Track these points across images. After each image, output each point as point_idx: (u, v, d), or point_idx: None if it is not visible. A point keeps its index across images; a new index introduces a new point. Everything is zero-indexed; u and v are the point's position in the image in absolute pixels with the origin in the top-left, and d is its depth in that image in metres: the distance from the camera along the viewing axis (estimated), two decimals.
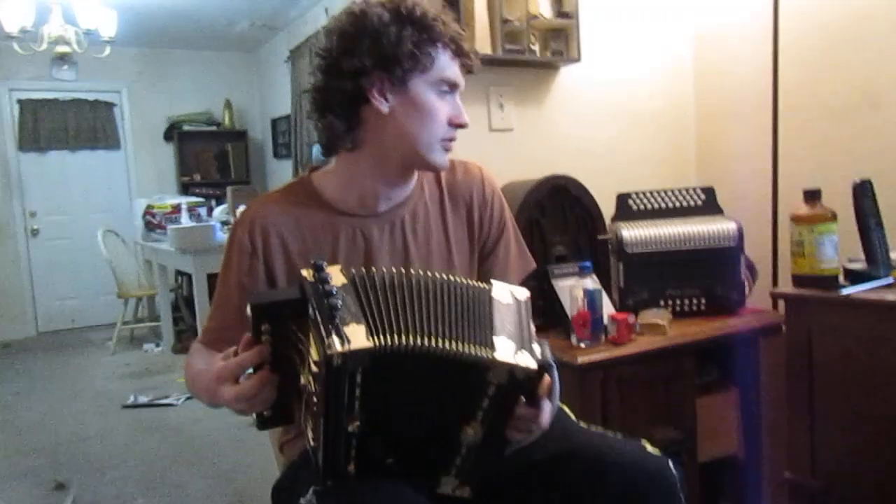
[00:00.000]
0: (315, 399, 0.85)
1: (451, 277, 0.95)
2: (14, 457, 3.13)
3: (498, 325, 0.91)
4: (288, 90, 5.53)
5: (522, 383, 0.89)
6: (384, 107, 1.10)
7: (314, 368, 0.83)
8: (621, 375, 1.72)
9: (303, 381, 0.90)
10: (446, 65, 1.11)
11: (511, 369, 0.87)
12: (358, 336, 0.82)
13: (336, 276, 0.89)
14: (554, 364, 0.93)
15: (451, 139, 1.16)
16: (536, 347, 0.92)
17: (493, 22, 2.03)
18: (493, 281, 0.99)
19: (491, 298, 0.95)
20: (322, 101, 1.13)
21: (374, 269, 0.93)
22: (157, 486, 2.73)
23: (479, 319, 0.91)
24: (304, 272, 0.89)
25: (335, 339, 0.81)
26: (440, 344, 0.86)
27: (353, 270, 0.92)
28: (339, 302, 0.84)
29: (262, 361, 0.90)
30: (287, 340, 0.89)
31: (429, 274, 0.94)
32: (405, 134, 1.12)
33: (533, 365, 0.88)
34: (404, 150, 1.14)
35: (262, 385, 0.91)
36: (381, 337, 0.84)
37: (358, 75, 1.08)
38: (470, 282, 0.96)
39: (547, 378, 0.94)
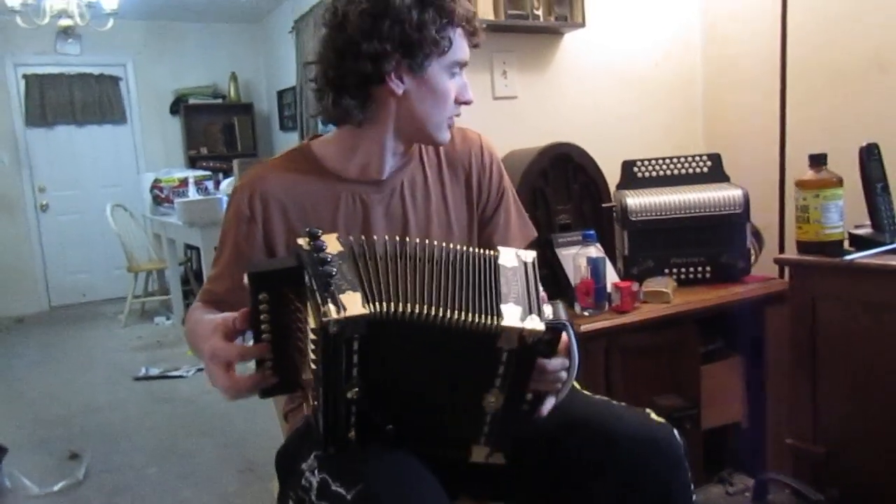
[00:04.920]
0: (314, 366, 0.86)
1: (455, 246, 0.95)
2: (29, 427, 3.19)
3: (504, 290, 0.91)
4: (293, 61, 5.49)
5: (535, 346, 0.89)
6: (399, 89, 1.10)
7: (312, 336, 0.83)
8: (625, 344, 1.72)
9: (303, 349, 0.90)
10: (460, 46, 1.11)
11: (520, 334, 0.87)
12: (354, 303, 0.82)
13: (332, 244, 0.89)
14: (567, 322, 0.93)
15: (457, 116, 1.17)
16: (547, 308, 0.92)
17: None
18: (498, 247, 0.99)
19: (497, 265, 0.95)
20: (337, 80, 1.10)
21: (373, 237, 0.93)
22: (168, 455, 2.77)
23: (484, 287, 0.91)
24: (300, 240, 0.89)
25: (331, 306, 0.81)
26: (445, 314, 0.86)
27: (352, 238, 0.91)
28: (335, 270, 0.84)
29: (263, 358, 0.90)
30: (286, 309, 0.89)
31: (432, 243, 0.94)
32: (416, 115, 1.13)
33: (541, 327, 0.88)
34: (413, 128, 1.15)
35: (258, 384, 0.91)
36: (378, 304, 0.84)
37: (378, 59, 1.06)
38: (475, 249, 0.96)
39: (564, 337, 0.94)
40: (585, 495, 1.05)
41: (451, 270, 0.91)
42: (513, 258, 0.97)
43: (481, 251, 0.96)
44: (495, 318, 0.87)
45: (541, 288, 0.95)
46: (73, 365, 4.25)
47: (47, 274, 6.01)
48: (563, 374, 0.98)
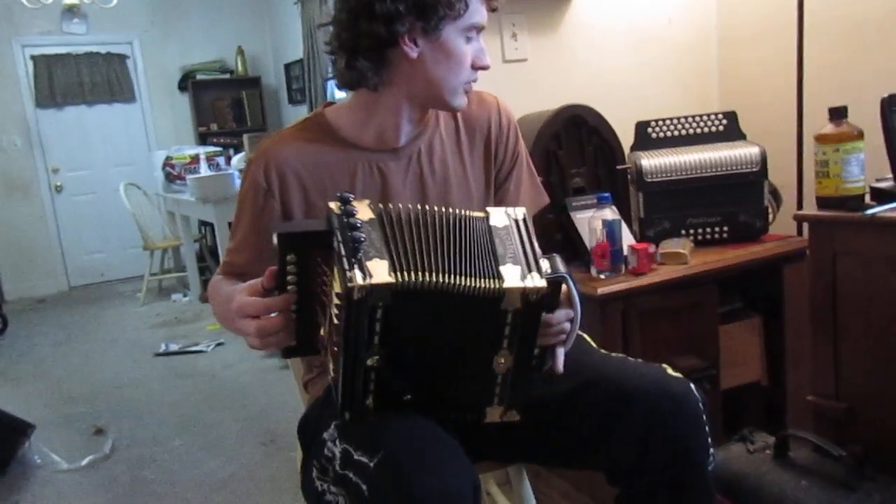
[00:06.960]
0: (336, 332, 0.86)
1: (457, 210, 0.95)
2: (55, 405, 3.25)
3: (500, 251, 0.92)
4: (299, 34, 5.43)
5: (538, 303, 0.90)
6: (413, 53, 1.07)
7: (336, 301, 0.84)
8: (642, 306, 1.71)
9: (326, 313, 0.91)
10: (476, 9, 1.09)
11: (523, 293, 0.88)
12: (380, 271, 0.83)
13: (363, 211, 0.89)
14: (567, 274, 0.94)
15: (474, 81, 1.15)
16: (544, 263, 0.92)
17: None
18: (487, 208, 0.99)
19: (489, 226, 0.95)
20: (350, 42, 1.09)
21: (399, 205, 0.93)
22: (191, 429, 2.82)
23: (482, 250, 0.91)
24: (332, 204, 0.89)
25: (357, 272, 0.81)
26: (455, 280, 0.87)
27: (381, 206, 0.91)
28: (364, 236, 0.84)
29: (287, 308, 0.91)
30: (312, 272, 0.90)
31: (447, 210, 0.94)
32: (431, 79, 1.10)
33: (542, 284, 0.89)
34: (428, 93, 1.13)
35: (285, 325, 0.92)
36: (403, 273, 0.84)
37: (392, 20, 1.04)
38: (467, 212, 0.96)
39: (564, 287, 0.95)
40: (604, 452, 1.06)
41: (455, 236, 0.91)
42: (502, 217, 0.97)
43: (472, 214, 0.96)
44: (496, 280, 0.88)
45: (535, 243, 0.95)
46: (95, 343, 4.31)
47: (65, 254, 6.06)
48: (567, 325, 0.99)
